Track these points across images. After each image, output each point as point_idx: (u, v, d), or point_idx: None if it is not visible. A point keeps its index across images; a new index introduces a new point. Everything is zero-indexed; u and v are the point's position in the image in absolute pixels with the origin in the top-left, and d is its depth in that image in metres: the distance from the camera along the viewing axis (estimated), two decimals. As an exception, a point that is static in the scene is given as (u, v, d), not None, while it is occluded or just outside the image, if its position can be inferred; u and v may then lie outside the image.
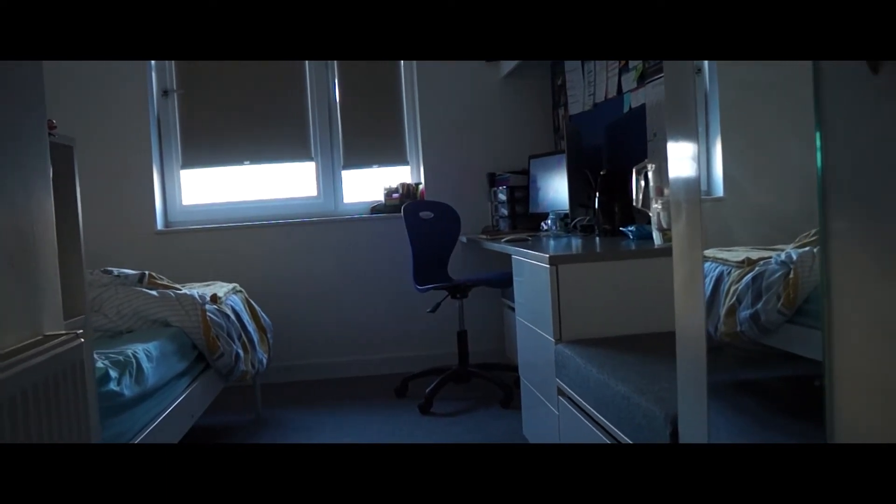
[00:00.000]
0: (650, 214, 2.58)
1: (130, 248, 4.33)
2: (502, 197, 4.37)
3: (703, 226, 1.30)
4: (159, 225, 4.45)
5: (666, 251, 2.46)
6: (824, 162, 0.94)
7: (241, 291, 3.78)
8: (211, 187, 4.66)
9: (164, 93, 4.51)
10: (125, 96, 4.36)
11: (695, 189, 1.30)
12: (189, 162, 4.59)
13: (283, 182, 4.71)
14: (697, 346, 1.36)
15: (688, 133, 1.32)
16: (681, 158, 1.35)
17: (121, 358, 2.18)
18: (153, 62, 4.43)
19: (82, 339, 1.38)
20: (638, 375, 1.86)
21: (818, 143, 0.94)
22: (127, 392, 2.06)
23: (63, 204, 1.71)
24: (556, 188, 3.98)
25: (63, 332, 1.38)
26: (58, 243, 1.67)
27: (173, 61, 4.51)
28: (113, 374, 2.03)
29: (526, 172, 4.38)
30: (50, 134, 1.53)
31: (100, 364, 2.02)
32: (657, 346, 2.17)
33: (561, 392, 2.36)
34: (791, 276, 1.78)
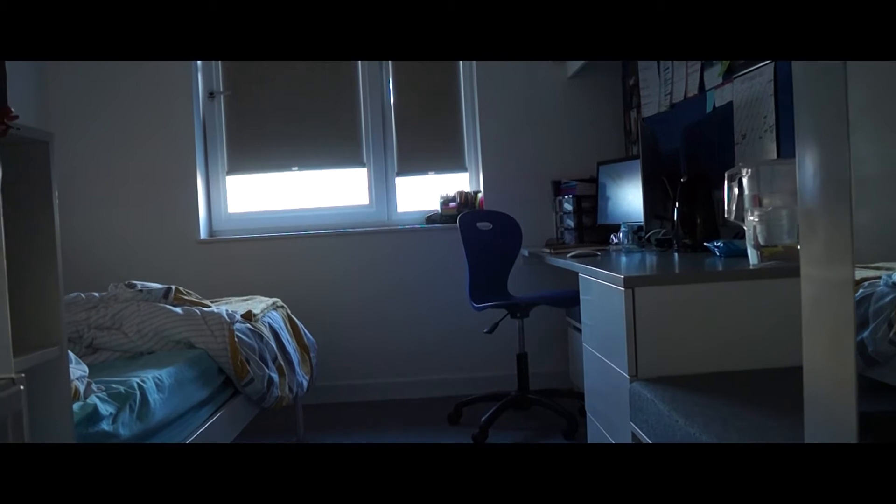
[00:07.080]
0: (744, 228, 2.18)
1: (170, 258, 4.12)
2: (568, 207, 4.01)
3: (853, 242, 0.92)
4: (202, 234, 4.21)
5: (766, 272, 2.08)
6: None
7: (282, 307, 3.49)
8: (258, 194, 4.41)
9: (210, 94, 4.28)
10: (169, 98, 4.15)
11: (842, 194, 0.92)
12: (235, 167, 4.35)
13: (334, 190, 4.43)
14: (844, 403, 0.97)
15: (832, 122, 0.94)
16: (818, 155, 0.98)
17: (122, 389, 1.89)
18: (199, 62, 4.21)
19: (21, 387, 1.08)
20: (739, 432, 1.47)
21: None
22: (124, 431, 1.77)
23: (36, 212, 1.42)
24: (629, 197, 3.60)
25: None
26: (30, 260, 1.39)
27: (220, 62, 4.29)
28: (105, 411, 1.74)
29: (594, 180, 4.02)
30: (8, 125, 1.25)
31: (91, 400, 1.74)
32: (757, 389, 1.78)
33: (636, 439, 1.98)
34: (905, 299, 1.43)
